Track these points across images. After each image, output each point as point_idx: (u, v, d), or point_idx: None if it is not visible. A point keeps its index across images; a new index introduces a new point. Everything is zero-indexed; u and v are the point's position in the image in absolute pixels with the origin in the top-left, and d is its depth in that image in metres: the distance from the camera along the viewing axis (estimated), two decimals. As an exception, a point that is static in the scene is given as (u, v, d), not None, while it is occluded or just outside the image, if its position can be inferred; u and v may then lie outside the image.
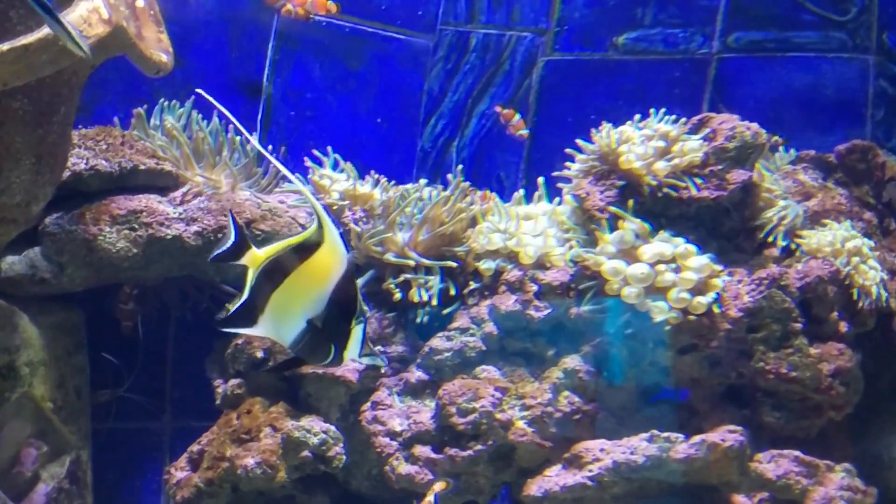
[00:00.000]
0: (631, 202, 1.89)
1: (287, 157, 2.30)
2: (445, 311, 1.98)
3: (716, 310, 1.83)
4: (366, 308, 1.33)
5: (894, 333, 2.01)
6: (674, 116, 1.98)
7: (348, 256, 1.30)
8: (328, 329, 1.29)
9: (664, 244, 1.84)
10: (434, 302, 1.96)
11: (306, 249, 1.29)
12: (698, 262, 1.82)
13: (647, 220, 1.88)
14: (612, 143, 1.94)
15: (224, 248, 1.30)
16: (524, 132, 2.39)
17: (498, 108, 2.40)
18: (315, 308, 1.29)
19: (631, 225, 1.86)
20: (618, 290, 1.83)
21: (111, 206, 2.03)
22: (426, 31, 2.55)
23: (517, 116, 2.39)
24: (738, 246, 1.96)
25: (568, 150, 2.04)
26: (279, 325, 1.30)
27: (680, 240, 1.84)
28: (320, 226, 1.27)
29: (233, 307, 1.32)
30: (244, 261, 1.30)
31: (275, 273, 1.29)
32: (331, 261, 1.28)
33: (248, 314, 1.30)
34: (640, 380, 1.90)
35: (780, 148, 2.20)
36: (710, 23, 2.55)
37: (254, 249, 1.30)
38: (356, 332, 1.30)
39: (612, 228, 1.89)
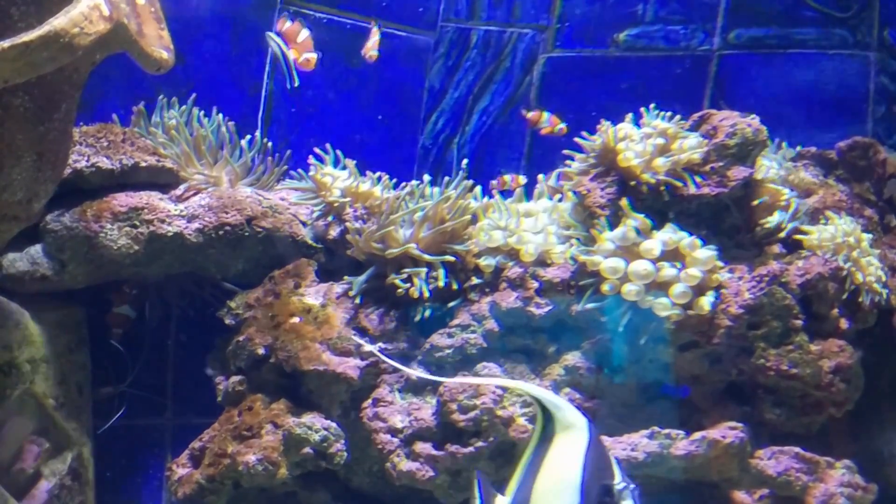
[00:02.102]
0: (625, 200, 1.89)
1: (290, 155, 2.30)
2: (447, 308, 1.98)
3: (707, 306, 1.83)
4: (630, 484, 1.23)
5: (895, 330, 2.02)
6: (670, 113, 1.97)
7: (588, 424, 1.21)
8: None
9: (670, 233, 1.84)
10: (440, 284, 1.94)
11: (542, 446, 1.22)
12: (704, 255, 1.82)
13: (647, 217, 1.88)
14: (610, 140, 1.94)
15: None
16: (563, 126, 2.36)
17: (523, 112, 2.38)
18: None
19: (633, 221, 1.86)
20: (611, 291, 1.83)
21: (112, 203, 2.03)
22: (427, 28, 2.55)
23: (545, 115, 2.37)
24: (738, 242, 1.96)
25: (566, 151, 2.04)
26: None
27: (684, 234, 1.85)
28: (544, 410, 1.20)
29: None
30: None
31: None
32: (572, 447, 1.21)
33: None
34: (640, 377, 1.90)
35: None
36: (711, 19, 2.55)
37: (499, 498, 1.23)
38: None
39: (612, 226, 1.89)
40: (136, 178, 2.09)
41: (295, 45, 2.06)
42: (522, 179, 2.21)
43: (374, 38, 2.24)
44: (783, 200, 1.96)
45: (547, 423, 1.23)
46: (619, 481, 1.22)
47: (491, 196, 2.13)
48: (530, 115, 2.38)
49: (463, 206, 2.03)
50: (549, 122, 2.36)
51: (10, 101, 1.59)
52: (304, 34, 2.12)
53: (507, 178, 2.25)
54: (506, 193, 2.18)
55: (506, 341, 1.95)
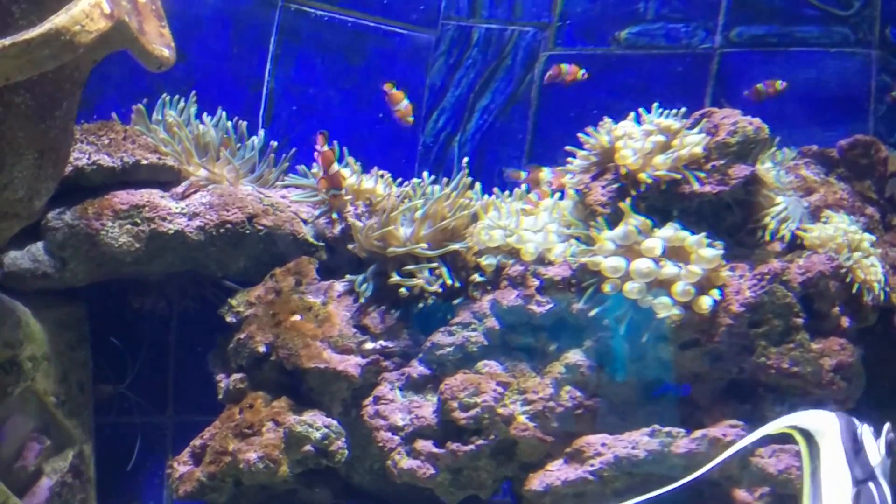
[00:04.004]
0: (629, 199, 1.89)
1: (294, 154, 2.30)
2: (448, 306, 1.98)
3: (706, 306, 1.82)
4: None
5: (896, 328, 2.02)
6: (674, 111, 1.97)
7: (836, 416, 1.35)
8: None
9: (672, 231, 1.84)
10: (447, 281, 1.95)
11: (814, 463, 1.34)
12: (710, 254, 1.82)
13: (648, 216, 1.87)
14: (604, 141, 1.95)
15: None
16: (585, 72, 2.35)
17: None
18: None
19: (633, 220, 1.85)
20: (613, 290, 1.83)
21: (113, 201, 2.03)
22: (428, 26, 2.54)
23: (564, 67, 2.36)
24: (739, 241, 1.95)
25: (568, 148, 2.04)
26: None
27: (686, 232, 1.84)
28: (800, 431, 1.33)
29: None
30: None
31: None
32: (831, 444, 1.33)
33: None
34: (641, 374, 1.90)
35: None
36: (713, 17, 2.54)
37: None
38: None
39: (613, 225, 1.88)
40: (137, 176, 2.09)
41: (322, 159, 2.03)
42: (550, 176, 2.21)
43: (403, 103, 2.25)
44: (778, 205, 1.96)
45: (810, 445, 1.36)
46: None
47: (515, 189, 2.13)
48: (549, 74, 2.38)
49: (463, 203, 2.03)
50: (569, 72, 2.36)
51: (11, 99, 1.59)
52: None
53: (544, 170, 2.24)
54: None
55: (507, 339, 1.95)
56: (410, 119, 2.29)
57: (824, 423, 1.37)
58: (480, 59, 2.56)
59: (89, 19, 1.50)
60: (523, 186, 2.15)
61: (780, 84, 2.38)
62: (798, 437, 1.39)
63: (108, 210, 2.02)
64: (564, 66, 2.37)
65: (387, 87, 2.28)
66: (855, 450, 1.34)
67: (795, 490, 1.82)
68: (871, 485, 1.34)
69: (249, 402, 2.02)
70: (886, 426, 1.37)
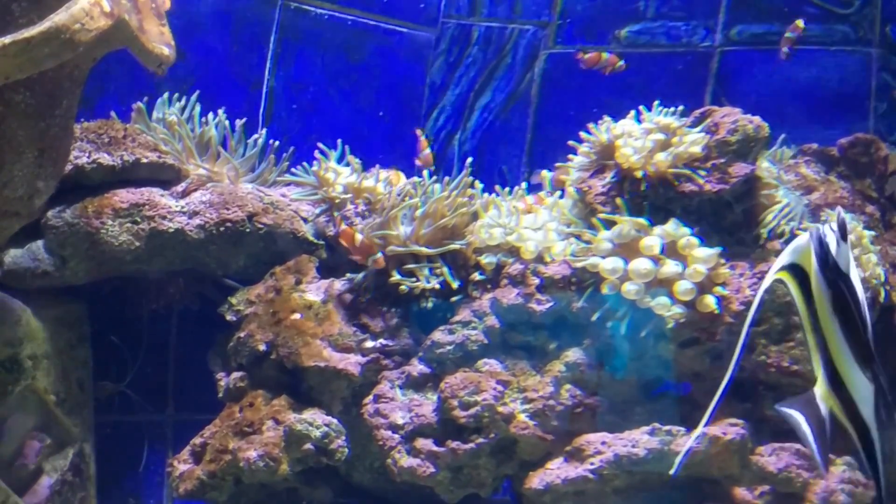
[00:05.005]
0: (620, 200, 1.89)
1: (293, 153, 2.30)
2: (448, 304, 1.98)
3: (713, 305, 1.83)
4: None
5: (895, 327, 2.01)
6: (673, 109, 1.97)
7: (808, 238, 1.32)
8: None
9: (670, 228, 1.83)
10: (449, 281, 1.95)
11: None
12: (706, 254, 1.82)
13: (649, 215, 1.87)
14: (603, 140, 1.95)
15: None
16: (622, 63, 2.33)
17: (580, 55, 2.32)
18: None
19: (626, 221, 1.85)
20: (611, 290, 1.82)
21: (113, 200, 2.04)
22: (428, 24, 2.54)
23: (605, 55, 2.33)
24: (739, 239, 1.95)
25: (571, 143, 2.03)
26: None
27: (686, 230, 1.84)
28: (790, 270, 1.32)
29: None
30: None
31: None
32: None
33: None
34: (641, 373, 1.90)
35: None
36: (713, 16, 2.54)
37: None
38: None
39: (611, 226, 1.88)
40: (137, 175, 2.09)
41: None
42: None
43: (426, 151, 2.27)
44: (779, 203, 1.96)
45: (801, 279, 1.34)
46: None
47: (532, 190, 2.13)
48: (587, 56, 2.36)
49: (463, 202, 2.03)
50: (609, 62, 2.34)
51: (11, 98, 1.59)
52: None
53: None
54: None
55: (507, 338, 1.95)
56: (431, 167, 2.31)
57: (801, 247, 1.34)
58: (481, 57, 2.56)
59: (89, 17, 1.50)
60: (524, 185, 2.15)
61: (801, 22, 2.37)
62: (787, 277, 1.37)
63: (108, 208, 2.02)
64: (605, 55, 2.35)
65: (418, 132, 2.31)
66: (823, 255, 1.31)
67: (795, 488, 1.82)
68: (839, 282, 1.32)
69: (249, 401, 2.02)
70: (837, 209, 1.34)
